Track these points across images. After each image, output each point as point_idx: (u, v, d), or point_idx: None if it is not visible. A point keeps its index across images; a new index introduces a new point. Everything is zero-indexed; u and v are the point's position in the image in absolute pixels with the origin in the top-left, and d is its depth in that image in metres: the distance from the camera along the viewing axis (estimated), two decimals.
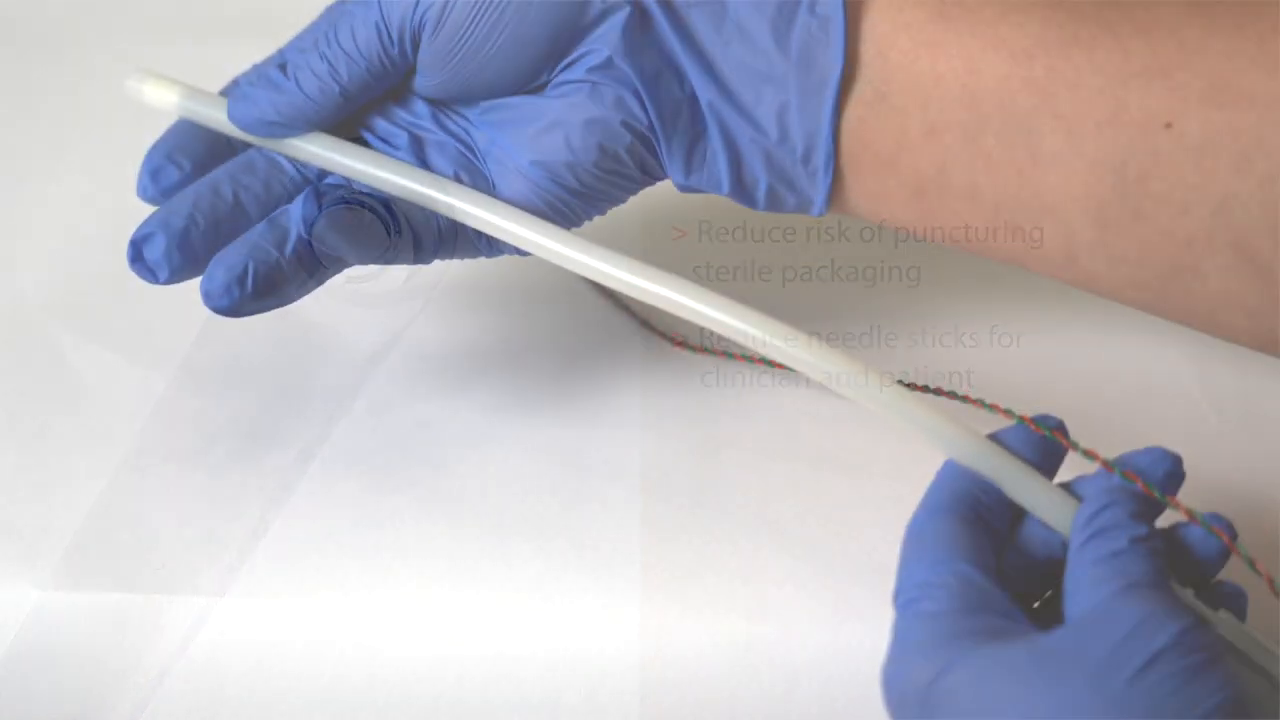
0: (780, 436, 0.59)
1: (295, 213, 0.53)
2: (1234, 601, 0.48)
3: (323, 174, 0.56)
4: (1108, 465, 0.48)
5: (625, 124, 0.53)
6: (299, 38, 0.58)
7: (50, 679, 0.52)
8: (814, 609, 0.52)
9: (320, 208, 0.52)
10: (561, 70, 0.53)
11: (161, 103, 0.57)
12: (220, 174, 0.55)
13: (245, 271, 0.52)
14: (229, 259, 0.52)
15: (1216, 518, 0.48)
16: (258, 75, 0.55)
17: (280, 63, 0.55)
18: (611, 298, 0.65)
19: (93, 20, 0.87)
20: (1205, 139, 0.48)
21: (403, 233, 0.54)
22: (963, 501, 0.48)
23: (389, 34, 0.53)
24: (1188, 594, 0.47)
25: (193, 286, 0.63)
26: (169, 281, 0.53)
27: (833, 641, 0.51)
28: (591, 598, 0.53)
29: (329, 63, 0.53)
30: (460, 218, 0.54)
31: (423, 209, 0.55)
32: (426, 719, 0.52)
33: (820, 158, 0.53)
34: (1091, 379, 0.62)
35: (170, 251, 0.53)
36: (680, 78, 0.53)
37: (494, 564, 0.54)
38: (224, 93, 0.58)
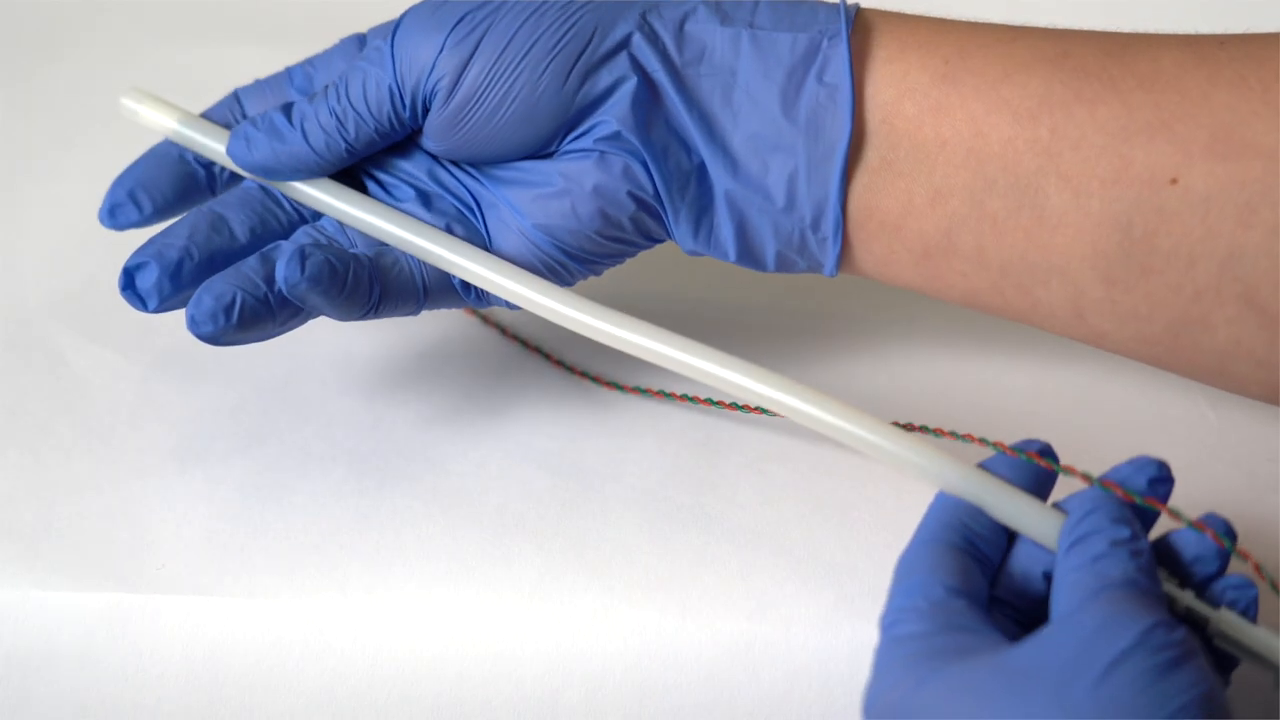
0: (780, 436, 0.59)
1: (281, 261, 0.52)
2: (1239, 596, 0.47)
3: (318, 214, 0.56)
4: (1086, 478, 0.48)
5: (631, 194, 0.53)
6: (306, 70, 0.57)
7: (50, 679, 0.52)
8: (814, 609, 0.52)
9: (303, 270, 0.51)
10: (570, 139, 0.54)
11: (157, 125, 0.57)
12: (218, 204, 0.56)
13: (233, 302, 0.52)
14: (218, 287, 0.52)
15: (1213, 518, 0.48)
16: (263, 120, 0.55)
17: (286, 105, 0.55)
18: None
19: (93, 21, 0.87)
20: (1210, 192, 0.48)
21: (388, 294, 0.54)
22: (951, 530, 0.47)
23: (401, 98, 0.53)
24: (1186, 595, 0.47)
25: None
26: (158, 310, 0.54)
27: (833, 641, 0.51)
28: (591, 598, 0.53)
29: (338, 119, 0.54)
30: (456, 272, 0.54)
31: (418, 262, 0.55)
32: (426, 719, 0.52)
33: (829, 225, 0.53)
34: (1091, 380, 0.62)
35: (161, 282, 0.54)
36: (688, 148, 0.53)
37: (494, 564, 0.54)
38: (212, 113, 0.58)
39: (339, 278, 0.52)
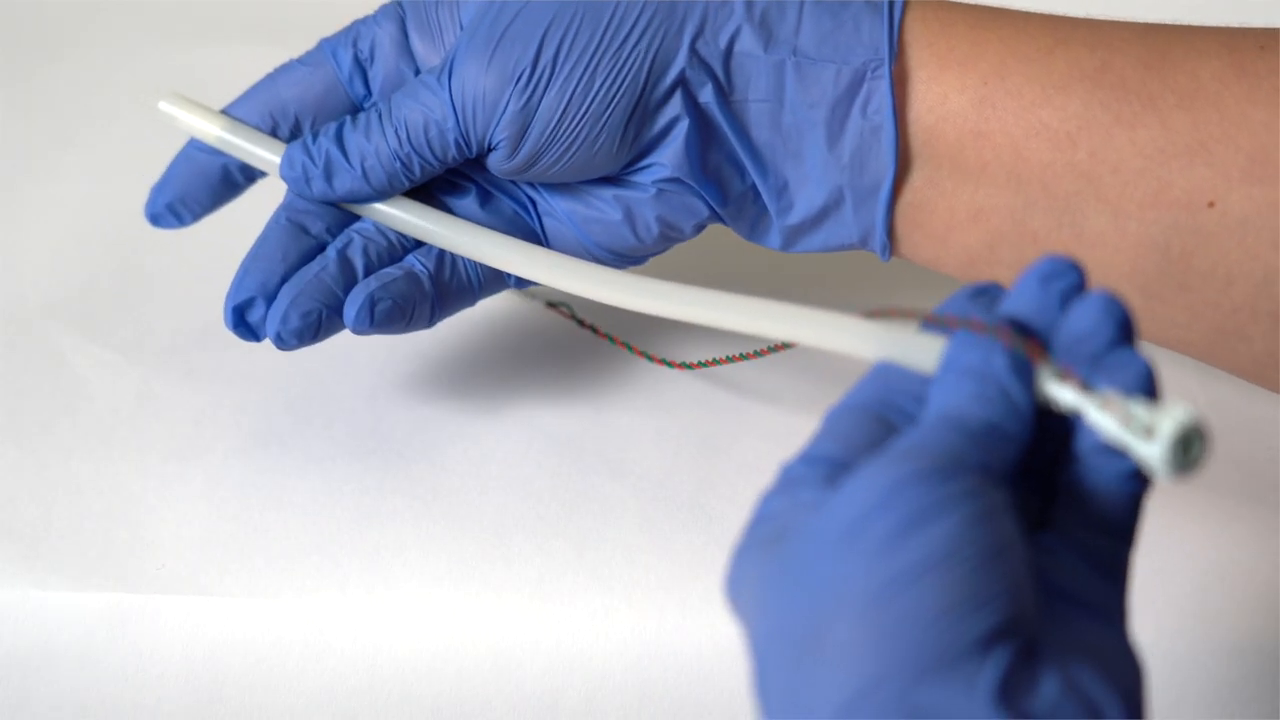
0: (780, 436, 0.59)
1: (351, 309, 0.54)
2: (1125, 375, 0.37)
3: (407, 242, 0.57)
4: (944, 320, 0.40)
5: (694, 224, 0.56)
6: (352, 52, 0.57)
7: (50, 679, 0.52)
8: None
9: (372, 319, 0.54)
10: (629, 171, 0.55)
11: (198, 131, 0.57)
12: (293, 212, 0.56)
13: (318, 319, 0.54)
14: (304, 304, 0.54)
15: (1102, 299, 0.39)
16: (318, 152, 0.55)
17: (339, 132, 0.55)
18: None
19: (93, 20, 0.87)
20: (1247, 215, 0.49)
21: (445, 304, 0.56)
22: (865, 391, 0.40)
23: (466, 144, 0.54)
24: (1064, 389, 0.38)
25: (193, 287, 0.63)
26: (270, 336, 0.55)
27: None
28: (591, 598, 0.53)
29: (402, 162, 0.55)
30: (519, 272, 0.56)
31: (474, 262, 0.57)
32: (426, 719, 0.52)
33: (876, 243, 0.55)
34: None
35: (268, 313, 0.55)
36: (742, 171, 0.55)
37: (494, 564, 0.54)
38: (250, 103, 0.57)
39: (404, 315, 0.55)
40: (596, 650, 0.52)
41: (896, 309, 0.43)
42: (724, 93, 0.53)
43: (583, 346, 0.63)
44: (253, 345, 0.57)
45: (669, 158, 0.54)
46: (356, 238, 0.56)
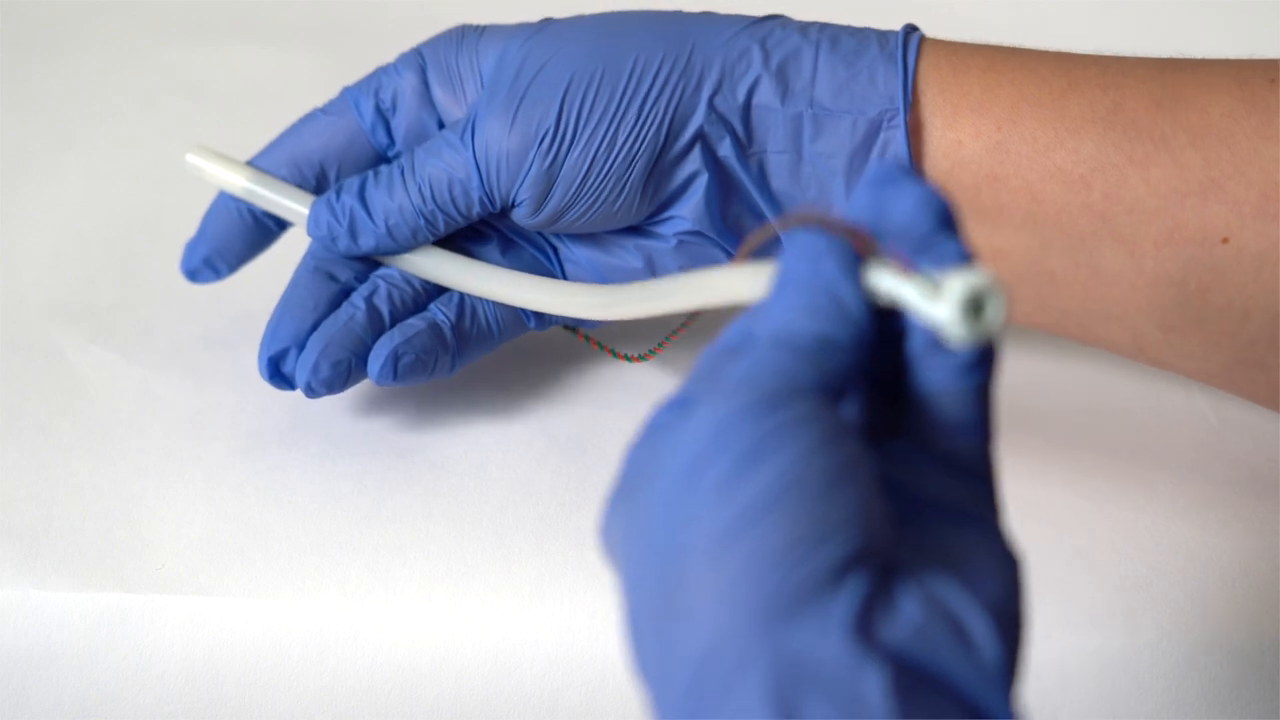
0: None
1: (375, 364, 0.56)
2: (942, 260, 0.35)
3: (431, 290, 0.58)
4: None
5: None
6: (374, 102, 0.57)
7: (50, 679, 0.52)
8: None
9: (396, 374, 0.55)
10: (649, 222, 0.56)
11: (224, 183, 0.58)
12: (321, 260, 0.57)
13: (347, 369, 0.56)
14: (334, 354, 0.55)
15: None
16: (341, 210, 0.56)
17: (362, 189, 0.56)
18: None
19: (93, 21, 0.87)
20: (1262, 250, 0.49)
21: (466, 352, 0.58)
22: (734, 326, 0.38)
23: (492, 201, 0.55)
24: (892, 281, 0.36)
25: (193, 288, 0.63)
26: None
27: None
28: (591, 598, 0.53)
29: (426, 220, 0.55)
30: (551, 310, 0.57)
31: (493, 309, 0.58)
32: (426, 719, 0.52)
33: None
34: (1091, 379, 0.62)
35: (304, 364, 0.56)
36: (761, 219, 0.55)
37: (494, 564, 0.54)
38: (276, 155, 0.58)
39: (427, 369, 0.56)
40: (596, 650, 0.52)
41: (763, 232, 0.42)
42: (742, 146, 0.54)
43: (582, 346, 0.63)
44: (252, 345, 0.57)
45: (689, 211, 0.55)
46: (382, 285, 0.57)
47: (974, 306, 0.34)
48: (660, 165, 0.54)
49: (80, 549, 0.54)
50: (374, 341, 0.56)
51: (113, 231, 0.69)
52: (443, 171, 0.55)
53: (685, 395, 0.35)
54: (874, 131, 0.53)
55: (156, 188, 0.71)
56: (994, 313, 0.34)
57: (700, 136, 0.54)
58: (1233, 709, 0.51)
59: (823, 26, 0.54)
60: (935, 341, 0.35)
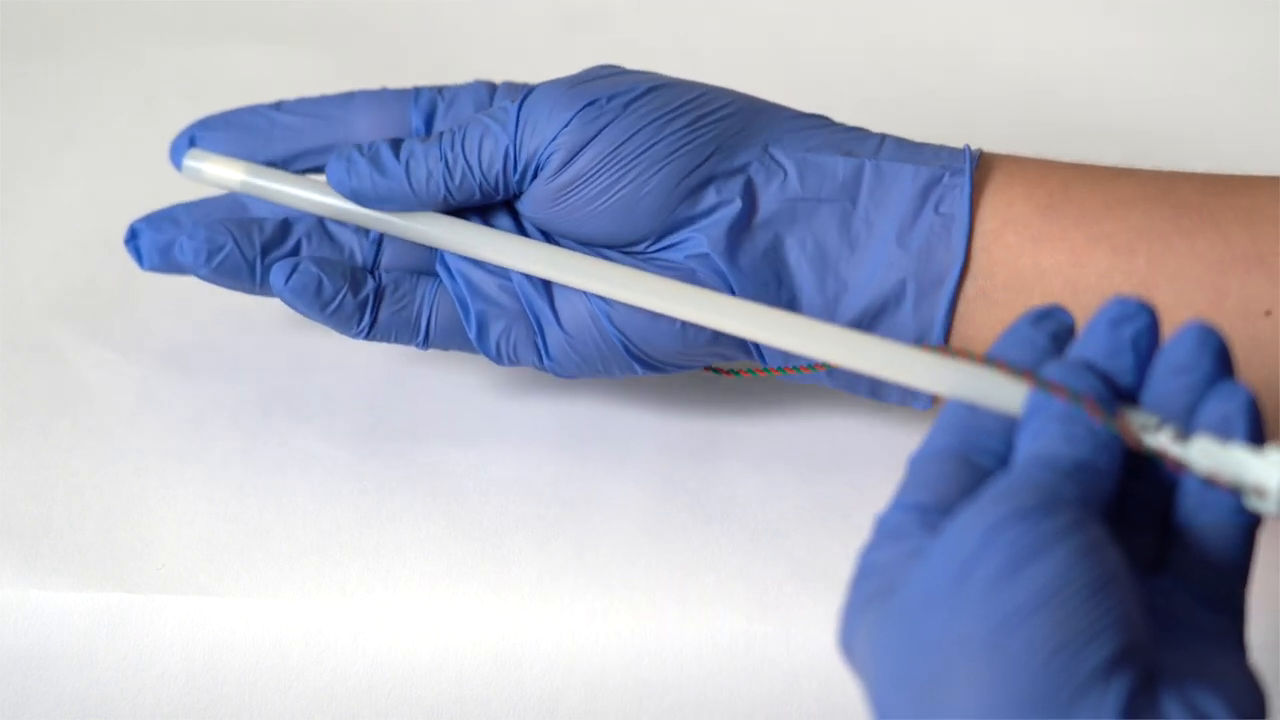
0: (780, 436, 0.59)
1: (278, 272, 0.55)
2: (1221, 411, 0.38)
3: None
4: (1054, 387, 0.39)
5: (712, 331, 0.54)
6: (432, 94, 0.57)
7: (50, 679, 0.52)
8: (814, 609, 0.52)
9: (287, 281, 0.54)
10: (660, 248, 0.54)
11: (223, 181, 0.57)
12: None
13: (224, 253, 0.55)
14: (217, 238, 0.55)
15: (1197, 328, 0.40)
16: (369, 148, 0.55)
17: (395, 141, 0.55)
18: None
19: (93, 21, 0.87)
20: None
21: (381, 328, 0.55)
22: (945, 434, 0.41)
23: (515, 162, 0.53)
24: (1160, 435, 0.38)
25: (193, 287, 0.63)
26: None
27: (833, 641, 0.51)
28: (591, 598, 0.53)
29: (446, 165, 0.54)
30: (521, 267, 0.54)
31: (431, 303, 0.56)
32: (426, 719, 0.52)
33: (933, 340, 0.53)
34: None
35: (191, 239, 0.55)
36: (780, 281, 0.53)
37: (493, 564, 0.54)
38: (259, 157, 0.58)
39: (323, 297, 0.54)
40: (596, 650, 0.52)
41: (962, 348, 0.44)
42: (792, 194, 0.53)
43: None
44: (252, 345, 0.57)
45: (708, 233, 0.53)
46: (301, 226, 0.56)
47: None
48: (698, 174, 0.53)
49: (80, 549, 0.54)
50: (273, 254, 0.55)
51: (113, 232, 0.69)
52: (480, 124, 0.54)
53: (918, 500, 0.38)
54: (934, 182, 0.53)
55: (156, 188, 0.71)
56: None
57: (745, 169, 0.53)
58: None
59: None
60: (1208, 482, 0.37)
